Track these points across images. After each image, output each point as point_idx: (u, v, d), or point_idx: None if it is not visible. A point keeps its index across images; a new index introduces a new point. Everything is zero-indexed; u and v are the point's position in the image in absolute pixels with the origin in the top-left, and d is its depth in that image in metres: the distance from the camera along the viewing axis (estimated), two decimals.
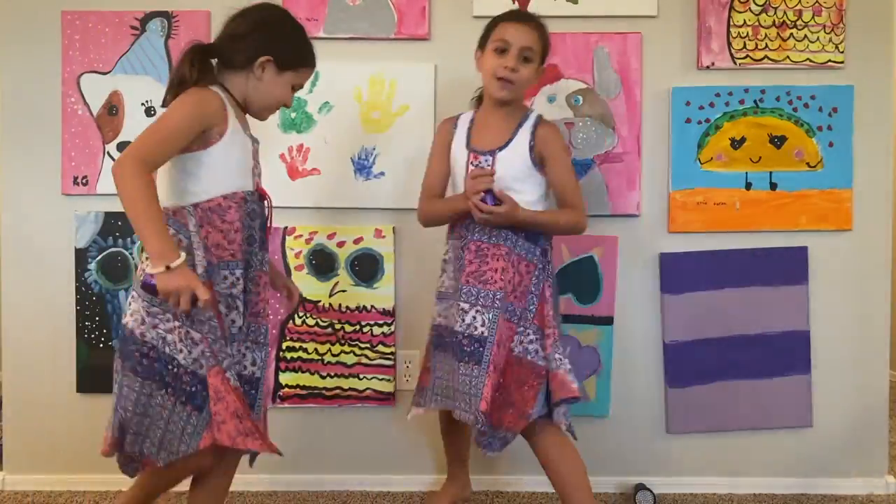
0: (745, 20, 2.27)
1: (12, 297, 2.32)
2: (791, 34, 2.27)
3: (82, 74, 2.28)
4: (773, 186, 2.28)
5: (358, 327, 2.31)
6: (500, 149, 1.84)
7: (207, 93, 1.56)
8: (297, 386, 2.32)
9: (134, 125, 2.27)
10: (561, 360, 1.79)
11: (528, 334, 1.80)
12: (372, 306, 2.31)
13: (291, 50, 1.66)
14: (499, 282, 1.78)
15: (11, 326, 2.32)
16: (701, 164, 2.28)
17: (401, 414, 2.33)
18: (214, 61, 1.64)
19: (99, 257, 2.30)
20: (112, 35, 2.27)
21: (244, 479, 2.33)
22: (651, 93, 2.29)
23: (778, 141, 2.28)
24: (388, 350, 2.31)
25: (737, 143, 2.28)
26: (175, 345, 1.52)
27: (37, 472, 2.34)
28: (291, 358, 2.31)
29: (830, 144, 2.27)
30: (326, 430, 2.34)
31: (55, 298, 2.31)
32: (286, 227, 2.29)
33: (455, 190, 1.96)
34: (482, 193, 1.73)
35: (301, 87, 1.73)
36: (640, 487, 2.24)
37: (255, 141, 1.67)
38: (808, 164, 2.28)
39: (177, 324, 1.50)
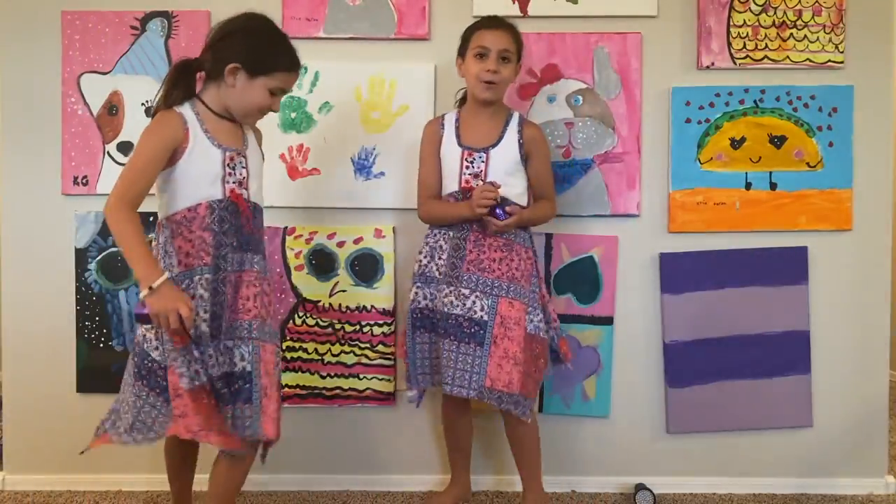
0: (745, 20, 2.27)
1: (12, 297, 2.32)
2: (791, 34, 2.27)
3: (82, 74, 2.28)
4: (773, 186, 2.28)
5: (358, 327, 2.31)
6: (493, 146, 2.00)
7: (167, 116, 1.68)
8: (297, 386, 2.32)
9: (134, 125, 2.27)
10: (557, 327, 2.07)
11: (538, 314, 1.99)
12: (372, 306, 2.31)
13: (260, 55, 1.69)
14: (496, 270, 1.96)
15: (11, 326, 2.32)
16: (701, 164, 2.28)
17: (401, 414, 2.34)
18: (202, 74, 1.72)
19: (99, 257, 2.30)
20: (112, 35, 2.28)
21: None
22: (651, 93, 2.29)
23: (778, 141, 2.28)
24: (388, 350, 2.31)
25: (737, 143, 2.28)
26: (151, 342, 1.66)
27: (37, 472, 2.34)
28: (291, 358, 2.31)
29: (830, 144, 2.27)
30: (326, 430, 2.34)
31: (55, 298, 2.31)
32: (286, 227, 2.29)
33: (446, 185, 2.03)
34: (493, 208, 1.89)
35: (284, 90, 1.74)
36: (640, 487, 2.24)
37: (230, 149, 1.71)
38: (808, 164, 2.28)
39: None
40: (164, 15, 2.28)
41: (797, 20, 2.27)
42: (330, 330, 2.31)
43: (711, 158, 2.28)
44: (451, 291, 1.95)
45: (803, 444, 2.33)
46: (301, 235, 2.30)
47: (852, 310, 2.31)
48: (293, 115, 2.29)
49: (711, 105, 2.27)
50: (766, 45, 2.27)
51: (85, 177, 2.29)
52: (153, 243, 1.72)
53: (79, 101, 2.28)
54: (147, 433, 1.66)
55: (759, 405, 2.30)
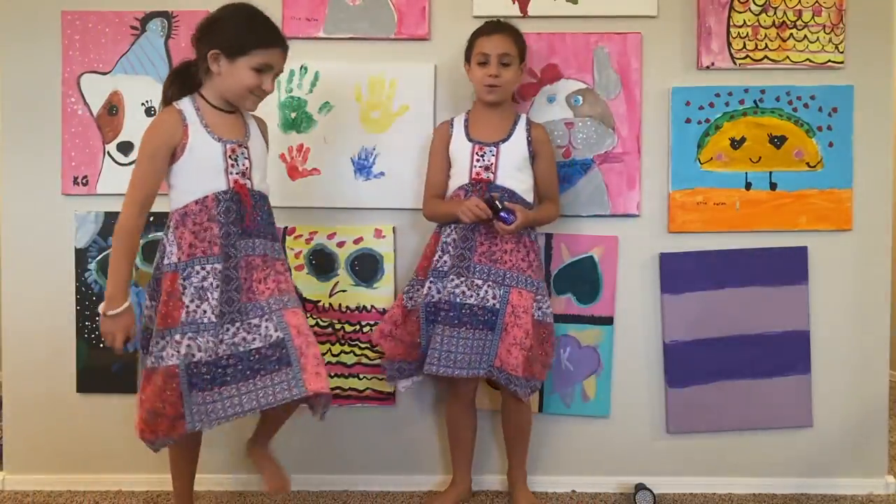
0: (744, 20, 2.27)
1: (12, 297, 2.32)
2: (791, 34, 2.27)
3: (82, 74, 2.28)
4: (773, 186, 2.28)
5: (358, 327, 2.31)
6: (503, 141, 2.08)
7: (163, 115, 1.78)
8: None
9: (134, 125, 2.28)
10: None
11: (546, 301, 2.08)
12: (372, 306, 2.31)
13: (233, 37, 1.74)
14: (508, 262, 2.04)
15: (11, 326, 2.32)
16: (701, 164, 2.28)
17: (401, 414, 2.34)
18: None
19: (99, 257, 2.30)
20: (112, 35, 2.28)
21: (244, 479, 2.34)
22: (651, 93, 2.29)
23: (778, 141, 2.28)
24: None
25: (737, 143, 2.28)
26: (152, 319, 1.81)
27: (37, 472, 2.34)
28: None
29: (830, 144, 2.27)
30: (326, 430, 2.34)
31: (55, 298, 2.31)
32: (286, 227, 2.29)
33: (457, 179, 2.10)
34: (499, 212, 1.95)
35: (270, 66, 1.77)
36: (640, 487, 2.24)
37: (230, 142, 1.79)
38: (808, 164, 2.28)
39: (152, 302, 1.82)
40: (164, 15, 2.28)
41: (797, 20, 2.27)
42: (330, 330, 2.31)
43: (711, 158, 2.28)
44: (462, 282, 2.01)
45: (803, 444, 2.33)
46: (301, 235, 2.30)
47: (852, 310, 2.31)
48: (293, 115, 2.29)
49: (711, 105, 2.27)
50: (766, 45, 2.27)
51: (85, 177, 2.29)
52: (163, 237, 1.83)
53: (79, 101, 2.28)
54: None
55: (759, 405, 2.30)
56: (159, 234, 2.26)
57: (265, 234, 1.85)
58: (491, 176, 2.05)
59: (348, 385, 2.32)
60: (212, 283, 1.75)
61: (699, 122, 2.27)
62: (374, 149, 2.30)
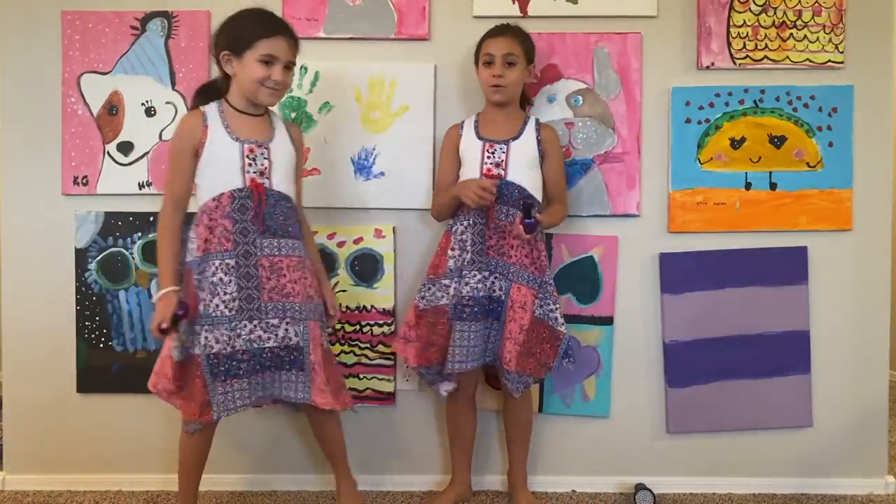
0: (744, 20, 2.27)
1: (12, 297, 2.32)
2: (791, 34, 2.27)
3: (82, 74, 2.28)
4: (773, 186, 2.28)
5: (358, 327, 2.31)
6: (514, 139, 2.09)
7: (185, 119, 1.88)
8: None
9: (134, 125, 2.28)
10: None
11: (549, 303, 2.07)
12: (372, 306, 2.31)
13: (236, 34, 1.83)
14: (514, 256, 2.05)
15: (11, 326, 2.32)
16: (701, 164, 2.28)
17: (401, 414, 2.34)
18: None
19: (99, 257, 2.30)
20: (112, 35, 2.28)
21: (244, 479, 2.34)
22: (651, 93, 2.29)
23: (778, 141, 2.28)
24: (388, 350, 2.31)
25: (737, 143, 2.28)
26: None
27: (37, 472, 2.34)
28: None
29: (830, 144, 2.27)
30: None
31: (55, 298, 2.31)
32: None
33: (468, 175, 2.10)
34: (528, 219, 1.96)
35: (275, 56, 1.82)
36: (640, 487, 2.24)
37: (249, 142, 1.86)
38: (807, 164, 2.28)
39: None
40: (164, 15, 2.28)
41: (797, 20, 2.27)
42: (330, 330, 2.31)
43: (711, 158, 2.28)
44: (483, 277, 2.04)
45: (803, 444, 2.33)
46: None
47: (852, 310, 2.31)
48: (293, 115, 2.29)
49: (711, 105, 2.27)
50: (766, 45, 2.27)
51: (85, 177, 2.29)
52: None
53: (79, 101, 2.28)
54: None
55: (759, 405, 2.30)
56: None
57: (287, 234, 1.89)
58: (502, 172, 2.06)
59: (348, 385, 2.31)
60: (222, 279, 1.82)
61: (699, 122, 2.27)
62: (374, 149, 2.30)
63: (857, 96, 2.26)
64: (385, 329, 2.31)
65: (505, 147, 2.07)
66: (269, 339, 1.85)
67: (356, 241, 2.30)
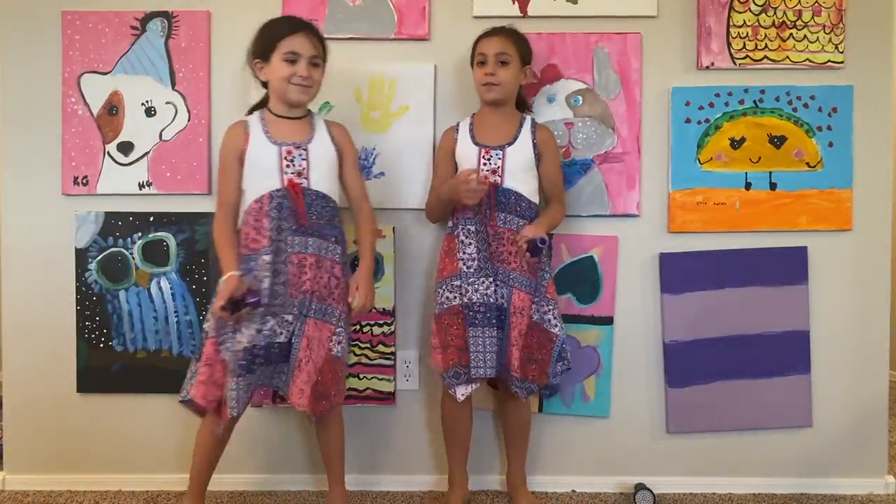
0: (744, 20, 2.27)
1: (13, 297, 2.32)
2: (791, 34, 2.27)
3: (82, 74, 2.28)
4: (773, 186, 2.28)
5: (358, 327, 2.31)
6: (509, 144, 2.09)
7: (228, 129, 1.99)
8: None
9: (134, 125, 2.28)
10: (563, 328, 2.11)
11: (543, 305, 2.07)
12: (372, 306, 2.31)
13: (261, 40, 1.95)
14: (512, 262, 2.05)
15: (12, 326, 2.32)
16: (701, 164, 2.28)
17: (401, 414, 2.34)
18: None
19: (99, 257, 2.30)
20: (112, 35, 2.28)
21: (245, 479, 2.34)
22: (651, 93, 2.29)
23: (778, 141, 2.28)
24: (388, 350, 2.31)
25: (736, 143, 2.28)
26: (209, 320, 1.94)
27: (37, 472, 2.34)
28: None
29: (830, 144, 2.27)
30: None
31: (55, 298, 2.31)
32: None
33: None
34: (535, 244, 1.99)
35: (297, 52, 1.91)
36: (640, 487, 2.24)
37: (287, 144, 1.94)
38: (807, 164, 2.28)
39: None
40: (165, 15, 2.28)
41: (797, 20, 2.27)
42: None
43: (711, 158, 2.28)
44: (490, 283, 2.04)
45: (803, 444, 2.33)
46: None
47: (852, 310, 2.31)
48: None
49: (711, 105, 2.27)
50: (766, 46, 2.27)
51: (85, 177, 2.29)
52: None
53: (79, 101, 2.28)
54: (184, 393, 1.94)
55: (759, 405, 2.30)
56: (159, 234, 2.29)
57: (320, 234, 1.94)
58: (498, 179, 2.06)
59: (348, 385, 2.31)
60: (258, 275, 1.89)
61: (699, 122, 2.27)
62: (374, 149, 2.30)
63: (857, 96, 2.26)
64: (385, 329, 2.31)
65: (501, 153, 2.08)
66: (281, 334, 1.90)
67: (356, 242, 2.30)
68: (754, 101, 2.27)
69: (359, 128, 2.29)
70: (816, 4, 2.26)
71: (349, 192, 2.07)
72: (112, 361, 2.31)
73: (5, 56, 2.29)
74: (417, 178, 2.28)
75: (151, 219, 2.29)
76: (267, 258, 1.89)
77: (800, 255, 2.29)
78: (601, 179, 2.29)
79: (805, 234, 2.29)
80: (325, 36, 2.26)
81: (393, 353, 2.31)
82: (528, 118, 2.15)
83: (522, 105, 2.20)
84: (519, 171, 2.07)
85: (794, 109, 2.27)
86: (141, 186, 2.29)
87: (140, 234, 2.29)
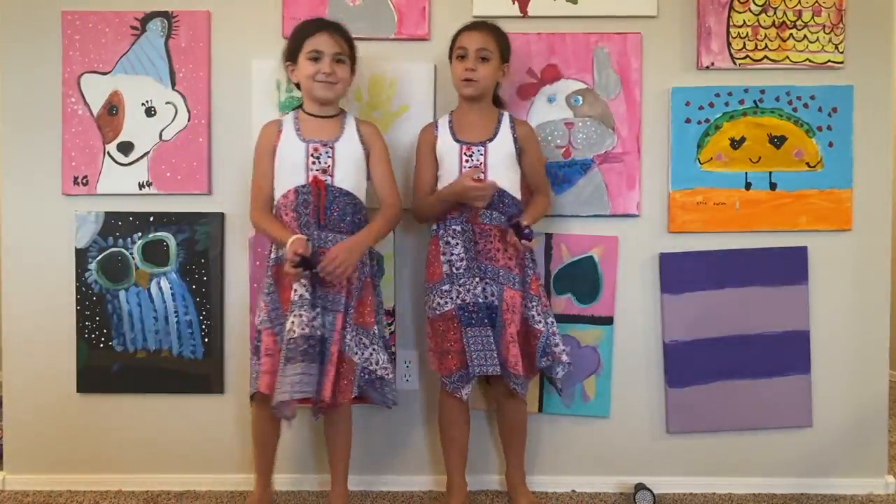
0: (744, 20, 2.27)
1: (13, 297, 2.32)
2: (791, 34, 2.27)
3: (82, 74, 2.28)
4: (773, 186, 2.28)
5: None
6: (490, 140, 2.10)
7: (265, 125, 2.07)
8: None
9: (134, 125, 2.28)
10: (553, 323, 2.11)
11: (528, 301, 2.08)
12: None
13: (289, 45, 2.04)
14: (501, 260, 2.06)
15: (12, 326, 2.32)
16: (701, 164, 2.28)
17: (400, 414, 2.33)
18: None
19: (99, 257, 2.30)
20: (112, 35, 2.28)
21: (245, 479, 2.33)
22: (651, 93, 2.29)
23: (778, 141, 2.28)
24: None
25: (736, 143, 2.28)
26: (259, 314, 2.01)
27: (37, 472, 2.34)
28: None
29: (830, 144, 2.27)
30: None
31: (55, 298, 2.31)
32: None
33: (446, 179, 2.10)
34: (521, 230, 1.99)
35: (320, 51, 1.98)
36: (640, 487, 2.24)
37: (314, 141, 2.00)
38: (807, 164, 2.28)
39: (259, 294, 2.06)
40: (165, 15, 2.28)
41: (797, 20, 2.27)
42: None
43: (711, 158, 2.28)
44: (478, 282, 2.04)
45: (803, 444, 2.33)
46: None
47: (852, 310, 2.31)
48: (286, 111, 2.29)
49: (711, 105, 2.27)
50: (766, 46, 2.27)
51: (85, 177, 2.29)
52: None
53: (79, 101, 2.28)
54: (252, 388, 2.01)
55: (759, 405, 2.30)
56: (159, 234, 2.29)
57: (341, 230, 1.99)
58: (481, 175, 2.06)
59: None
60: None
61: (699, 122, 2.27)
62: None
63: (857, 96, 2.26)
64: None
65: (482, 149, 2.08)
66: (319, 327, 1.93)
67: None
68: (754, 101, 2.27)
69: None
70: (816, 4, 2.26)
71: (376, 189, 2.10)
72: (112, 361, 2.31)
73: (5, 56, 2.29)
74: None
75: (151, 219, 2.29)
76: None
77: (800, 255, 2.29)
78: (601, 179, 2.29)
79: (805, 234, 2.29)
80: None
81: (393, 353, 2.31)
82: (506, 114, 2.15)
83: (497, 101, 2.19)
84: (501, 167, 2.08)
85: (794, 109, 2.27)
86: (141, 186, 2.29)
87: (140, 234, 2.29)
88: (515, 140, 2.10)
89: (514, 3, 2.27)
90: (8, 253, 2.31)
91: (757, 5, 2.27)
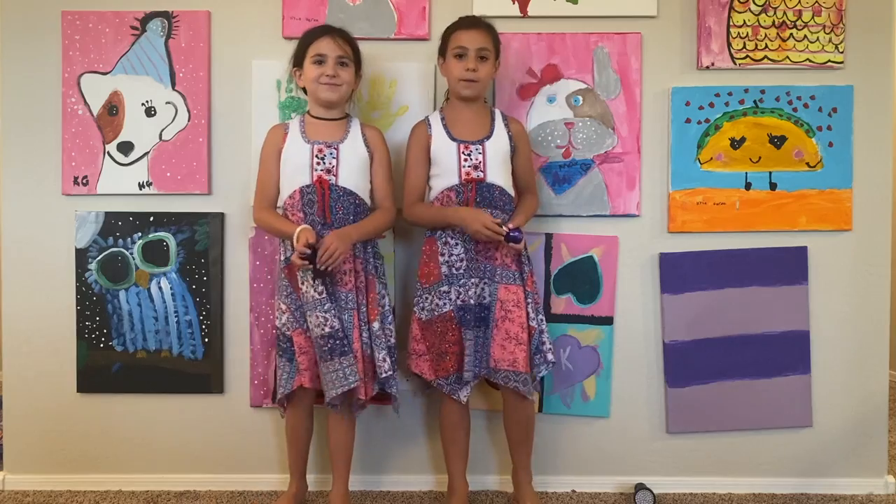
0: (744, 20, 2.27)
1: (13, 298, 2.32)
2: (791, 34, 2.27)
3: (82, 74, 2.28)
4: (773, 186, 2.28)
5: None
6: (487, 139, 2.09)
7: (272, 128, 2.11)
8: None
9: (134, 125, 2.28)
10: (542, 321, 2.10)
11: (526, 296, 2.07)
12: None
13: (295, 51, 2.08)
14: (498, 258, 2.06)
15: (12, 326, 2.32)
16: (701, 164, 2.28)
17: (401, 414, 2.33)
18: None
19: (99, 257, 2.30)
20: (112, 35, 2.28)
21: (245, 479, 2.34)
22: (651, 93, 2.29)
23: (778, 141, 2.28)
24: None
25: (737, 143, 2.28)
26: (276, 314, 2.09)
27: (37, 472, 2.34)
28: None
29: (830, 144, 2.27)
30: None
31: (55, 298, 2.31)
32: None
33: (445, 179, 2.07)
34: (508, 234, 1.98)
35: (323, 54, 2.02)
36: (640, 487, 2.24)
37: (318, 143, 2.04)
38: (807, 164, 2.28)
39: (275, 297, 2.13)
40: (165, 15, 2.28)
41: (797, 20, 2.27)
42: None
43: (711, 158, 2.28)
44: (475, 283, 2.04)
45: (803, 444, 2.33)
46: None
47: (852, 310, 2.31)
48: (293, 114, 2.29)
49: (711, 105, 2.27)
50: (766, 46, 2.27)
51: (85, 177, 2.29)
52: None
53: (79, 101, 2.28)
54: (284, 390, 2.06)
55: (759, 405, 2.30)
56: (159, 234, 2.29)
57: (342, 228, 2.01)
58: (481, 174, 2.05)
59: None
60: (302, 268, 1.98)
61: (699, 122, 2.27)
62: None
63: (857, 96, 2.27)
64: None
65: (481, 147, 2.07)
66: (335, 324, 1.97)
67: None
68: (754, 101, 2.27)
69: None
70: (816, 4, 2.26)
71: (374, 192, 2.12)
72: (112, 361, 2.31)
73: (6, 56, 2.29)
74: None
75: (151, 219, 2.29)
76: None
77: (800, 255, 2.29)
78: (601, 179, 2.29)
79: (805, 234, 2.29)
80: None
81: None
82: (497, 111, 2.15)
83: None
84: (499, 165, 2.08)
85: (794, 109, 2.27)
86: (141, 186, 2.29)
87: (140, 234, 2.29)
88: (510, 137, 2.11)
89: (514, 3, 2.27)
90: (8, 253, 2.31)
91: (757, 5, 2.27)
